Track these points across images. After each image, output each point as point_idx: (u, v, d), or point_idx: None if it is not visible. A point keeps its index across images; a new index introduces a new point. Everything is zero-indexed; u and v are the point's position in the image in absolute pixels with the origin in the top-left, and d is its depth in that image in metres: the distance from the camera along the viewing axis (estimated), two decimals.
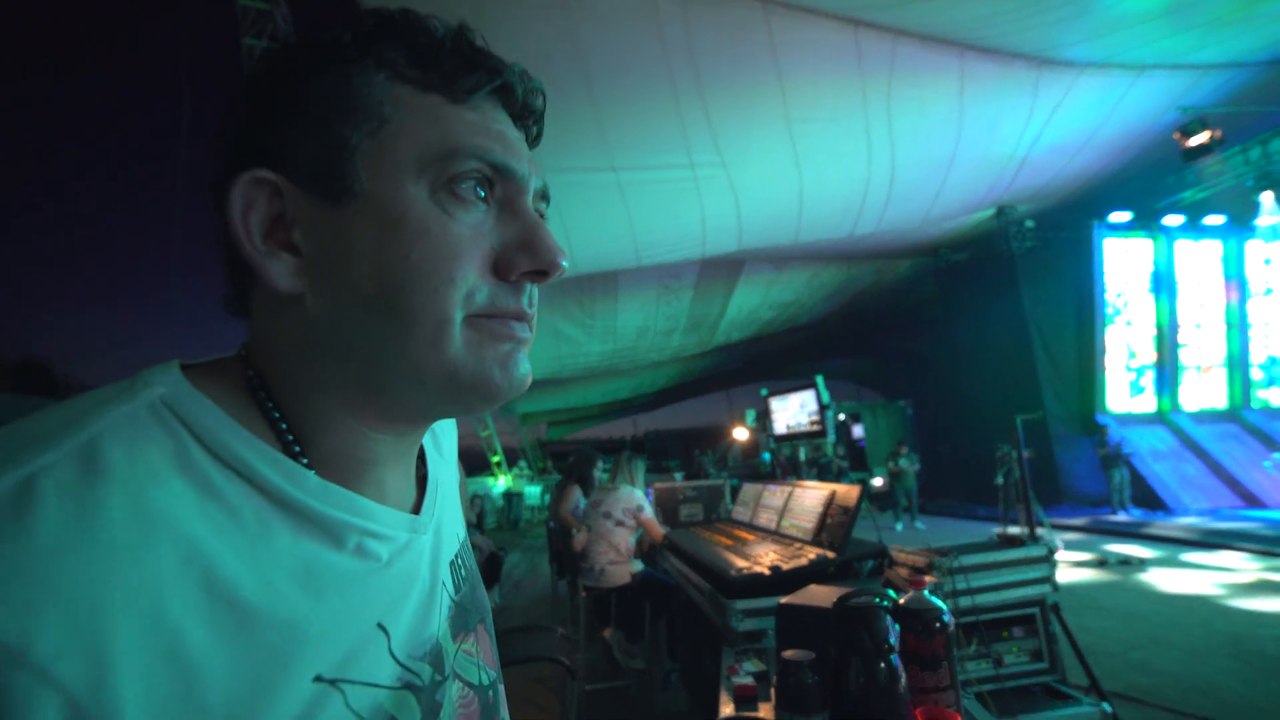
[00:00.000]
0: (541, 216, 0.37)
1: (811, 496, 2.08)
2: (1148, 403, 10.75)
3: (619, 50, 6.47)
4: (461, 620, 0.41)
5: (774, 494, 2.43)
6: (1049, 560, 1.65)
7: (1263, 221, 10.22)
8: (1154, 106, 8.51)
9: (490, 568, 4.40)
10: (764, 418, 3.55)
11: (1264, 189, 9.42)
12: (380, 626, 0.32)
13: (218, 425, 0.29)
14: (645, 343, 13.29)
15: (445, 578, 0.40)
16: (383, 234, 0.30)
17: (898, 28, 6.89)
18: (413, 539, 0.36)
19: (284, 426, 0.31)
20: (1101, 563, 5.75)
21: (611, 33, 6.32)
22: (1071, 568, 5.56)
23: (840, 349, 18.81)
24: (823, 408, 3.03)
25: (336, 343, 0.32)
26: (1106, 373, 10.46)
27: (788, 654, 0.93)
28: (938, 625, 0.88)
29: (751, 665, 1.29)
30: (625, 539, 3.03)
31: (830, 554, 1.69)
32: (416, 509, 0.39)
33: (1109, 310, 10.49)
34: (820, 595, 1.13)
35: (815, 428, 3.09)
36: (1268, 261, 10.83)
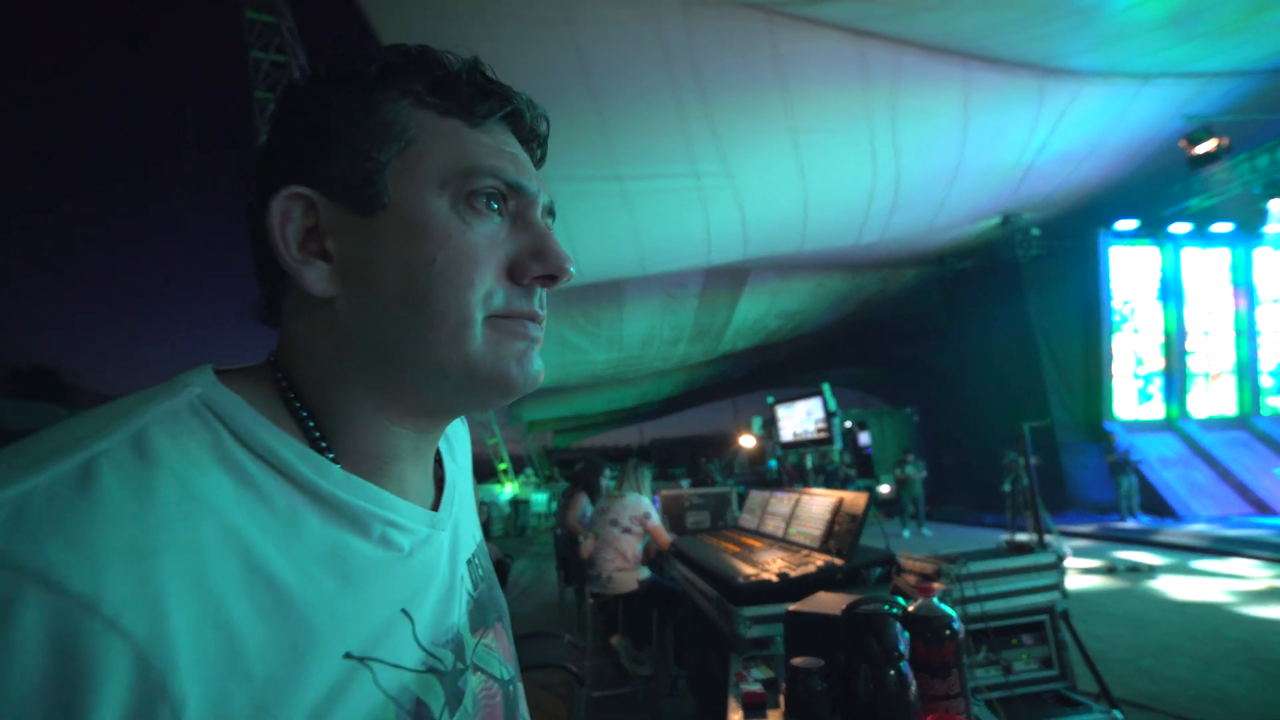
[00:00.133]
0: (550, 229, 0.40)
1: (819, 504, 2.09)
2: (1156, 410, 10.67)
3: (623, 61, 6.54)
4: (480, 616, 0.43)
5: (781, 501, 2.43)
6: (1058, 567, 1.65)
7: (1271, 229, 10.17)
8: (1159, 115, 8.51)
9: (497, 575, 4.40)
10: (770, 425, 3.56)
11: (1272, 196, 9.38)
12: (404, 612, 0.34)
13: (250, 421, 0.31)
14: (651, 351, 13.32)
15: (464, 574, 0.42)
16: (409, 241, 0.34)
17: (902, 38, 6.94)
18: (432, 534, 0.38)
19: (311, 424, 0.34)
20: (1110, 570, 5.70)
21: (616, 44, 6.39)
22: (1080, 575, 5.51)
23: (846, 357, 18.76)
24: (829, 415, 3.04)
25: (365, 341, 0.34)
26: (1114, 380, 10.41)
27: (797, 661, 0.94)
28: (947, 632, 0.88)
29: (759, 672, 1.29)
30: (632, 546, 3.03)
31: (838, 561, 1.70)
32: (435, 508, 0.41)
33: (1116, 318, 10.46)
34: (828, 602, 1.13)
35: (822, 435, 3.10)
36: (1275, 269, 10.79)
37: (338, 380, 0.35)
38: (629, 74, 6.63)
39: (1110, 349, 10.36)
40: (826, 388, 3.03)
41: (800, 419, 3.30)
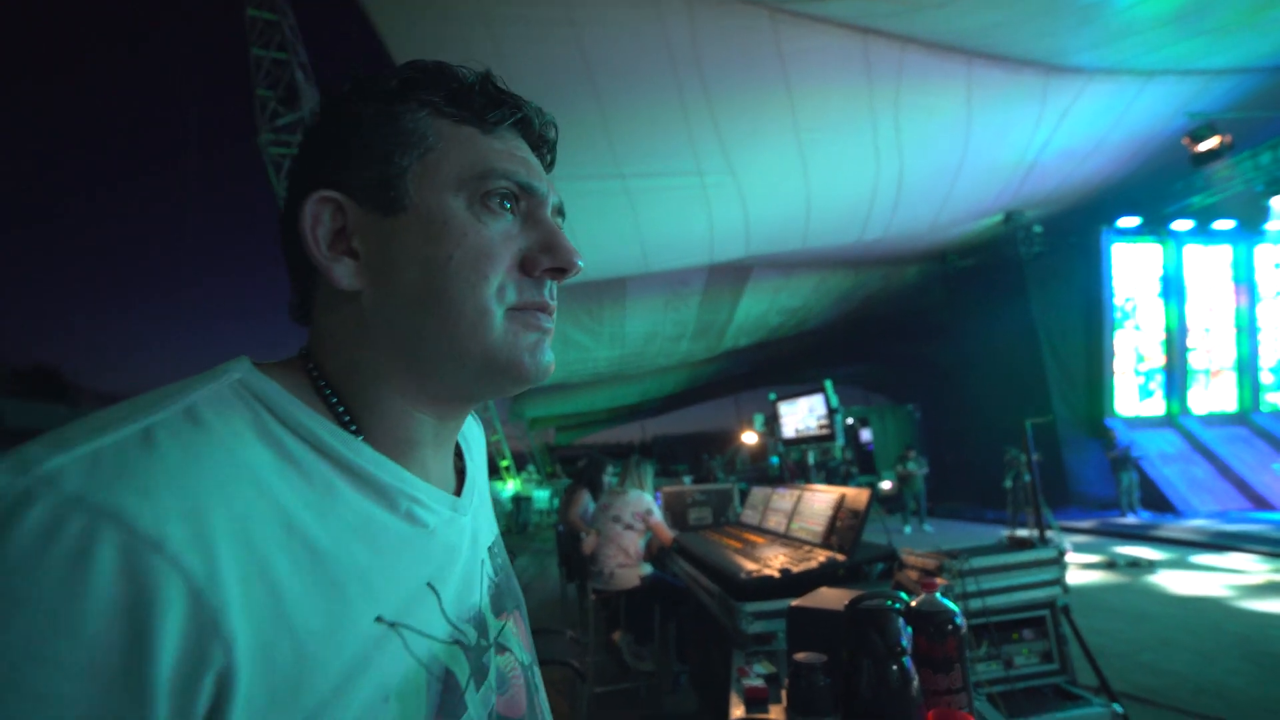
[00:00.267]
0: (559, 228, 0.43)
1: (821, 500, 2.10)
2: (1156, 406, 10.68)
3: (627, 60, 6.52)
4: (500, 602, 0.45)
5: (783, 497, 2.45)
6: (1059, 562, 1.66)
7: (1272, 226, 10.15)
8: (1162, 112, 8.48)
9: None
10: (772, 422, 3.58)
11: (1274, 194, 9.36)
12: (430, 586, 0.36)
13: (286, 403, 0.34)
14: (653, 348, 13.32)
15: (484, 558, 0.44)
16: (429, 239, 0.36)
17: (906, 35, 6.91)
18: (454, 517, 0.40)
19: (340, 409, 0.37)
20: (1110, 565, 5.72)
21: (619, 43, 6.37)
22: (1081, 570, 5.53)
23: (848, 354, 18.75)
24: (831, 412, 3.05)
25: (389, 331, 0.37)
26: (1115, 376, 10.41)
27: (799, 656, 0.94)
28: (950, 628, 0.89)
29: (762, 667, 1.30)
30: (634, 542, 3.05)
31: (840, 557, 1.71)
32: (456, 495, 0.43)
33: (1117, 315, 10.45)
34: (831, 598, 1.14)
35: (824, 432, 3.11)
36: (1277, 266, 10.77)
37: (364, 369, 0.37)
38: (632, 73, 6.62)
39: (1112, 345, 10.36)
40: (829, 384, 3.03)
41: (803, 415, 3.31)
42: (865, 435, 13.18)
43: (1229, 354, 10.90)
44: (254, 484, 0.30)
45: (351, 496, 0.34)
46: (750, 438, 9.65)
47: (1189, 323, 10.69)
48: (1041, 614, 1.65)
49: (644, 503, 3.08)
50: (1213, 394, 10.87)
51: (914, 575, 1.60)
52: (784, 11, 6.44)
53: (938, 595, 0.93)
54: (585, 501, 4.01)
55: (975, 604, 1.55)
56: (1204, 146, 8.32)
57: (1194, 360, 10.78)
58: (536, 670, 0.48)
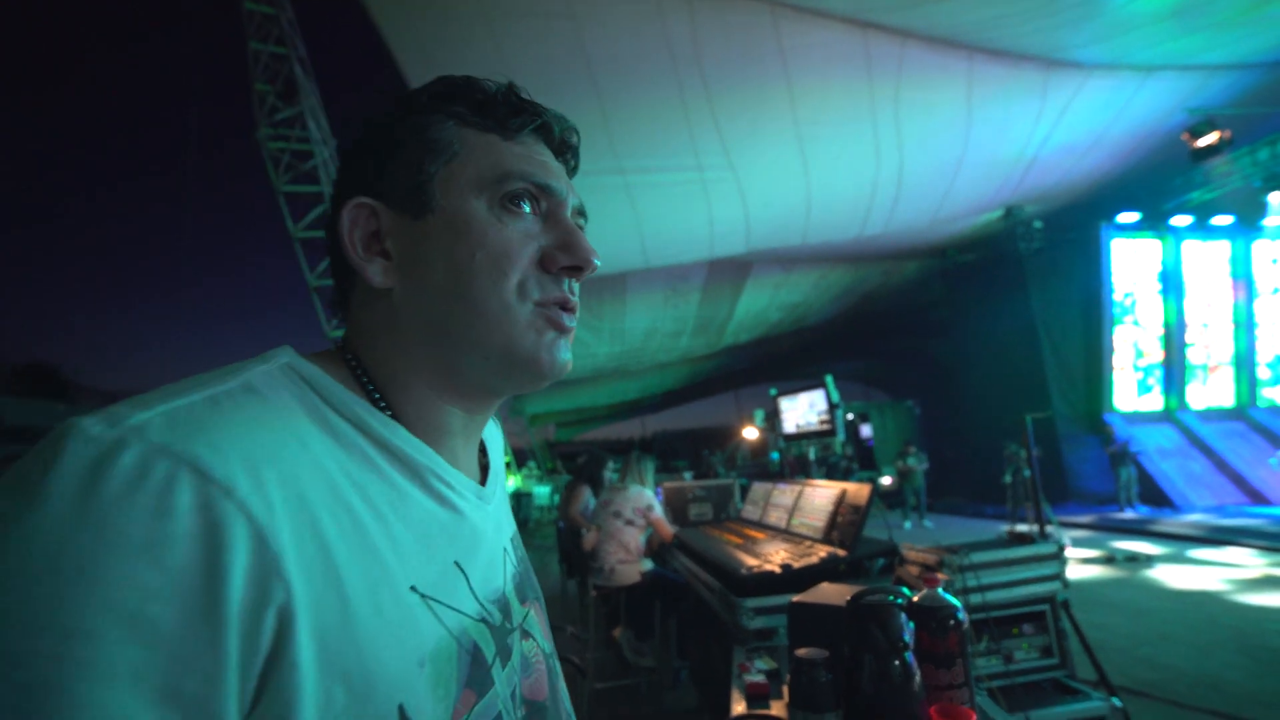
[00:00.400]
0: (581, 229, 0.45)
1: (822, 495, 2.10)
2: (1155, 401, 10.71)
3: (627, 54, 6.49)
4: (522, 590, 0.47)
5: (784, 493, 2.45)
6: (1059, 557, 1.67)
7: (1270, 222, 10.16)
8: (1162, 108, 8.47)
9: None
10: (773, 417, 3.57)
11: (1272, 189, 9.37)
12: (458, 565, 0.38)
13: (330, 385, 0.37)
14: (653, 344, 13.31)
15: (507, 547, 0.47)
16: (453, 239, 0.39)
17: (906, 30, 6.89)
18: (480, 504, 0.43)
19: (376, 396, 0.39)
20: (1109, 560, 5.75)
21: (619, 37, 6.34)
22: (1079, 565, 5.55)
23: (848, 350, 18.77)
24: (832, 407, 3.05)
25: (418, 326, 0.40)
26: (1114, 372, 10.43)
27: (801, 652, 0.94)
28: (952, 623, 0.88)
29: (763, 663, 1.29)
30: (635, 538, 3.05)
31: (841, 552, 1.71)
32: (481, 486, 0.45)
33: (1116, 310, 10.46)
34: (832, 593, 1.14)
35: (825, 427, 3.11)
36: (1275, 261, 10.78)
37: (397, 361, 0.40)
38: (632, 68, 6.59)
39: (1111, 341, 10.38)
40: (829, 379, 3.03)
41: (803, 411, 3.31)
42: (865, 431, 13.19)
43: (1227, 349, 10.92)
44: (304, 450, 0.32)
45: (388, 473, 0.36)
46: (751, 433, 9.65)
47: (1187, 318, 10.71)
48: (1041, 609, 1.65)
49: (645, 498, 3.08)
50: (1210, 389, 10.90)
51: (915, 570, 1.61)
52: (784, 6, 6.41)
53: (940, 590, 0.93)
54: (586, 498, 4.02)
55: (975, 599, 1.55)
56: (1203, 142, 8.32)
57: (1192, 355, 10.81)
58: (556, 660, 0.49)
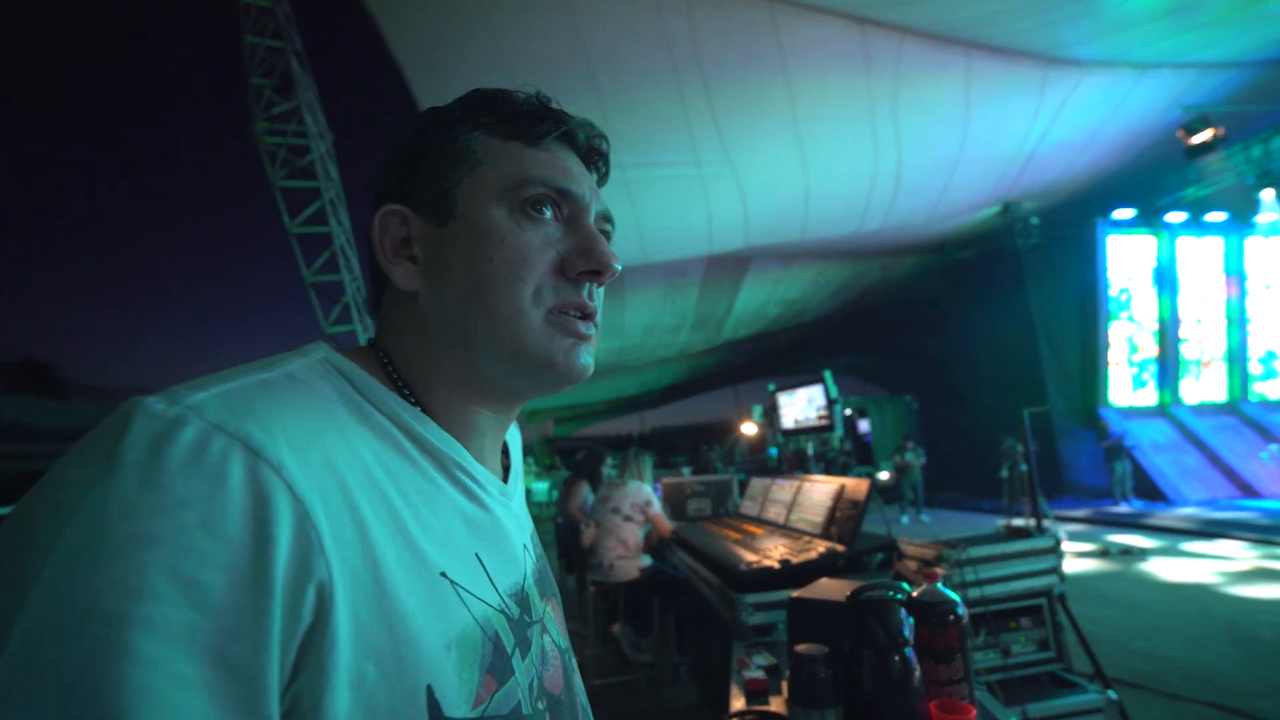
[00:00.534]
0: (606, 235, 0.46)
1: (820, 490, 2.11)
2: (1149, 396, 10.79)
3: (625, 50, 6.46)
4: (541, 587, 0.47)
5: (782, 488, 2.46)
6: (1056, 551, 1.68)
7: (1263, 218, 10.20)
8: (1158, 105, 8.49)
9: None
10: (771, 413, 3.58)
11: (1265, 186, 9.41)
12: (478, 558, 0.39)
13: (365, 378, 0.38)
14: (652, 340, 13.30)
15: (527, 543, 0.48)
16: (473, 245, 0.40)
17: (904, 26, 6.87)
18: (503, 501, 0.44)
19: (406, 393, 0.41)
20: (1104, 553, 5.80)
21: (618, 32, 6.30)
22: (1075, 558, 5.60)
23: (846, 345, 18.79)
24: (831, 402, 3.06)
25: (441, 328, 0.41)
26: (1110, 367, 10.50)
27: (801, 648, 0.94)
28: (951, 618, 0.89)
29: (762, 659, 1.30)
30: (634, 534, 3.06)
31: (840, 547, 1.72)
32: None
33: (1112, 306, 10.52)
34: (831, 589, 1.15)
35: (823, 422, 3.12)
36: (1267, 257, 10.85)
37: (424, 361, 0.42)
38: (631, 63, 6.56)
39: (1106, 336, 10.44)
40: (828, 374, 3.04)
41: (802, 406, 3.32)
42: (863, 426, 13.22)
43: (1219, 345, 11.00)
44: (342, 436, 0.34)
45: (421, 463, 0.38)
46: (749, 429, 9.67)
47: (1181, 314, 10.78)
48: (1039, 602, 1.66)
49: (643, 494, 3.08)
50: (1203, 384, 10.98)
51: (913, 565, 1.62)
52: (782, 2, 6.39)
53: (939, 585, 0.93)
54: (584, 493, 4.02)
55: (974, 593, 1.56)
56: (1197, 139, 8.34)
57: (1186, 351, 10.88)
58: (572, 656, 0.50)
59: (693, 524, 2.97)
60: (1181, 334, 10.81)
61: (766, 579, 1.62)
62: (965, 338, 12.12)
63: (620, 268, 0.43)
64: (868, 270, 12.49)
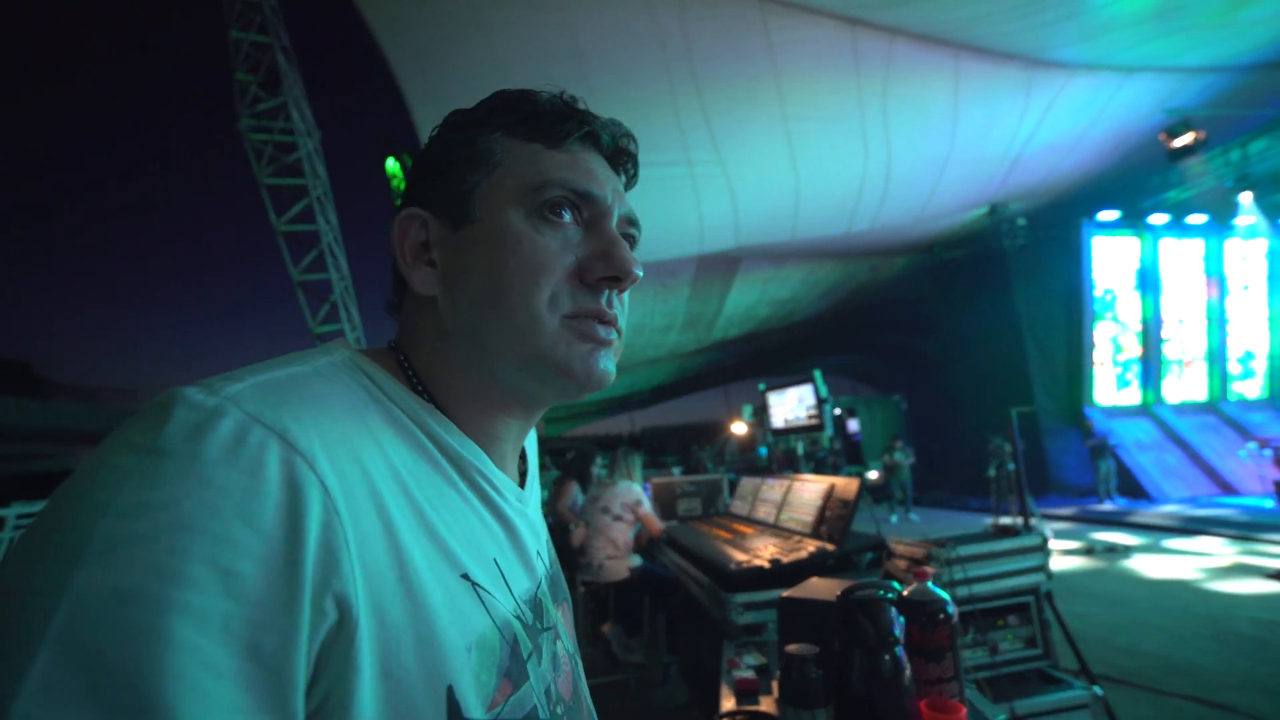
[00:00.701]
0: (630, 239, 0.45)
1: (810, 490, 2.10)
2: (1133, 396, 10.97)
3: (616, 48, 6.44)
4: (554, 593, 0.48)
5: (772, 488, 2.45)
6: (1043, 549, 1.69)
7: (1241, 220, 10.44)
8: (1141, 108, 8.64)
9: None
10: (762, 412, 3.58)
11: (1243, 189, 9.63)
12: (496, 562, 0.39)
13: (388, 379, 0.38)
14: (642, 340, 13.29)
15: (541, 550, 0.47)
16: (490, 249, 0.40)
17: (894, 27, 6.92)
18: (520, 507, 0.44)
19: (425, 397, 0.40)
20: (1089, 551, 5.88)
21: (609, 31, 6.29)
22: (1061, 556, 5.67)
23: (836, 345, 18.91)
24: (821, 401, 3.06)
25: (459, 333, 0.41)
26: (1095, 367, 10.66)
27: (791, 648, 0.94)
28: (942, 616, 0.89)
29: (752, 659, 1.29)
30: (623, 534, 3.04)
31: (829, 547, 1.72)
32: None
33: (1097, 306, 10.68)
34: (822, 588, 1.14)
35: (813, 422, 3.13)
36: (1245, 259, 11.08)
37: (444, 366, 0.41)
38: (623, 61, 6.54)
39: (1092, 337, 10.60)
40: (818, 374, 3.05)
41: (792, 405, 3.32)
42: (853, 425, 13.33)
43: (1200, 345, 11.22)
44: (369, 435, 0.34)
45: (442, 467, 0.38)
46: (739, 428, 9.69)
47: (1164, 314, 10.98)
48: (1026, 600, 1.67)
49: (633, 494, 3.07)
50: (1185, 384, 11.19)
51: (903, 564, 1.62)
52: (774, 2, 6.40)
53: (929, 585, 0.93)
54: (574, 493, 4.00)
55: (962, 592, 1.57)
56: (1179, 142, 8.50)
57: (1168, 351, 11.08)
58: (579, 660, 0.50)
59: (683, 524, 2.96)
60: (1164, 334, 11.01)
61: (757, 578, 1.62)
62: (953, 338, 12.25)
63: (641, 274, 0.42)
64: (857, 271, 12.57)
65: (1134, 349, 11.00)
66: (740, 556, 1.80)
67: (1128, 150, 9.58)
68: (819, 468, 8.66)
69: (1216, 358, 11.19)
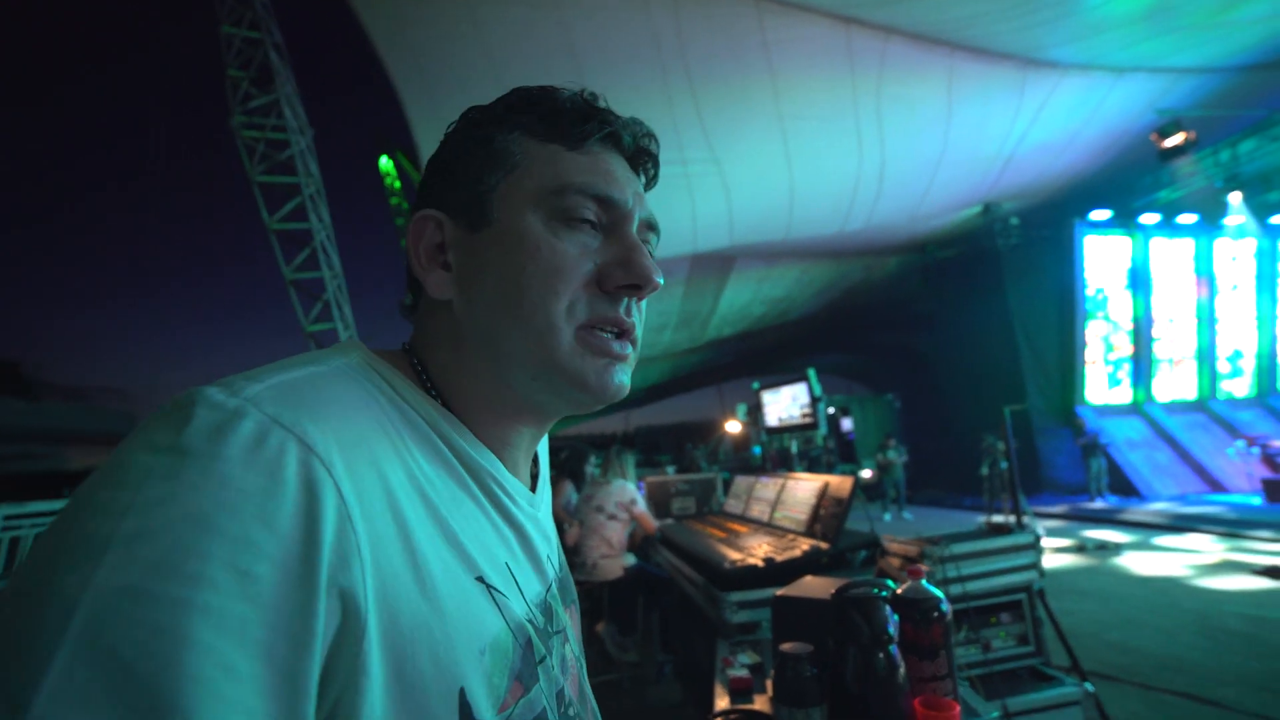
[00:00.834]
0: (649, 244, 0.44)
1: (804, 488, 2.11)
2: (1124, 394, 11.07)
3: (611, 46, 6.42)
4: (563, 597, 0.48)
5: (766, 486, 2.45)
6: (1036, 547, 1.70)
7: (1231, 220, 10.55)
8: (1133, 108, 8.71)
9: None
10: (755, 411, 3.59)
11: (1232, 189, 9.73)
12: (508, 567, 0.39)
13: (403, 382, 0.38)
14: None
15: (551, 554, 0.47)
16: (506, 253, 0.39)
17: (889, 26, 6.94)
18: (532, 512, 0.44)
19: (439, 400, 0.40)
20: (1080, 548, 5.92)
21: (604, 28, 6.27)
22: (1053, 554, 5.71)
23: (830, 344, 18.98)
24: (814, 400, 3.07)
25: (474, 338, 0.40)
26: (1086, 366, 10.74)
27: (785, 647, 0.93)
28: (936, 614, 0.88)
29: (746, 658, 1.29)
30: (618, 533, 3.03)
31: (823, 545, 1.72)
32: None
33: (1089, 305, 10.77)
34: (816, 587, 1.14)
35: (807, 420, 3.13)
36: (1234, 259, 11.20)
37: (458, 371, 0.41)
38: (617, 59, 6.53)
39: (1083, 335, 10.68)
40: (812, 373, 3.05)
41: (786, 404, 3.33)
42: (846, 424, 13.36)
43: (1190, 344, 11.33)
44: (386, 437, 0.34)
45: (456, 470, 0.38)
46: (734, 427, 9.69)
47: (1154, 313, 11.08)
48: (1019, 598, 1.68)
49: (628, 492, 3.06)
50: (1175, 382, 11.31)
51: (896, 562, 1.62)
52: (769, 1, 6.40)
53: (923, 582, 0.93)
54: (568, 492, 3.99)
55: (956, 589, 1.57)
56: (1170, 142, 8.58)
57: (1158, 350, 11.19)
58: (585, 662, 0.50)
59: (677, 522, 2.96)
60: (1154, 333, 11.12)
61: (751, 577, 1.61)
62: (947, 337, 12.31)
63: (663, 281, 0.41)
64: (851, 270, 12.62)
65: (1125, 348, 11.10)
66: (734, 555, 1.80)
67: (1119, 150, 9.67)
68: (813, 466, 8.67)
69: (1206, 356, 11.31)
